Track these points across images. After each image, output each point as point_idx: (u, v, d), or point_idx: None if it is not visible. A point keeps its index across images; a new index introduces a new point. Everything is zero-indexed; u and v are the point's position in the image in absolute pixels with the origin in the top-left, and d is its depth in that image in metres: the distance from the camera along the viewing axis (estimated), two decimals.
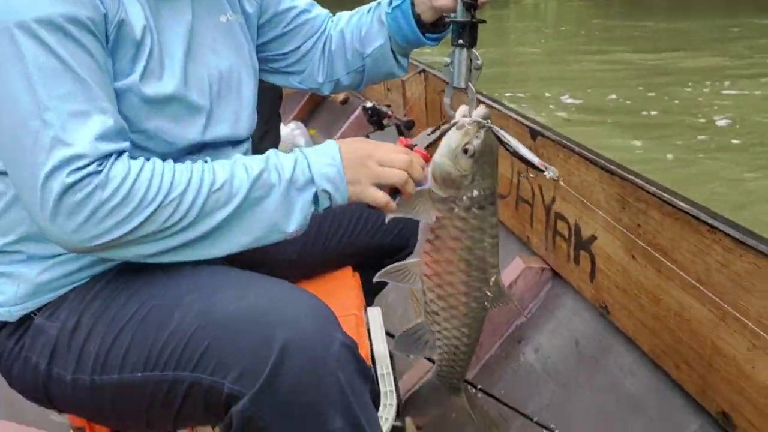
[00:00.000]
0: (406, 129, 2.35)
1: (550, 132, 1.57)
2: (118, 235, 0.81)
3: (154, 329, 0.85)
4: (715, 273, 1.08)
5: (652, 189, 1.21)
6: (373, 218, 1.28)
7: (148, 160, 0.84)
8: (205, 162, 0.88)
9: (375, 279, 0.95)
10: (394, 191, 0.92)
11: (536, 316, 1.67)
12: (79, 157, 0.78)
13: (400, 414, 1.35)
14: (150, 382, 0.85)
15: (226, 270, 0.92)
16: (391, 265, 0.95)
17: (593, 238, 1.43)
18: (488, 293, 0.94)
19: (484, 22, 0.99)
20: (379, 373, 1.22)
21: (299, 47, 1.20)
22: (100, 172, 0.80)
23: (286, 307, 0.83)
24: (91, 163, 0.79)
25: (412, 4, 1.07)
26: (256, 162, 0.88)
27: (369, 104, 2.39)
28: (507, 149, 0.90)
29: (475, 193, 0.88)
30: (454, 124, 0.89)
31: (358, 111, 3.12)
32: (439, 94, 2.32)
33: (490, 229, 0.91)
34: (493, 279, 0.94)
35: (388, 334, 1.33)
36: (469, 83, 0.99)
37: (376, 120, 2.39)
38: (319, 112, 4.00)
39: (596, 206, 1.40)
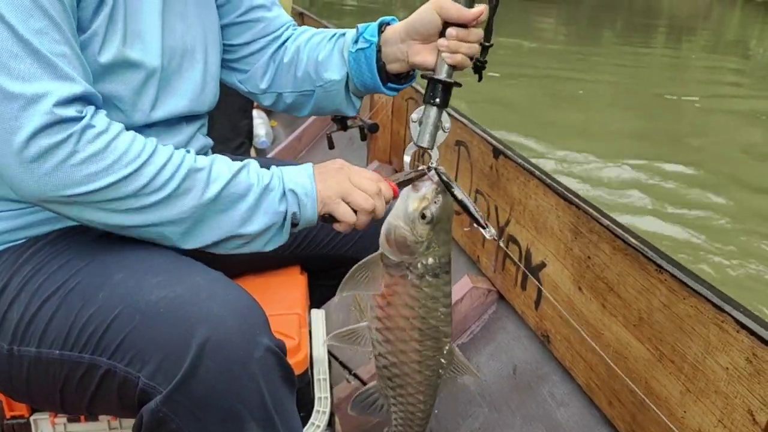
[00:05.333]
0: (369, 131, 2.31)
1: (512, 153, 1.55)
2: (88, 190, 0.75)
3: (77, 306, 0.80)
4: (657, 312, 1.07)
5: (606, 222, 1.20)
6: (328, 226, 1.24)
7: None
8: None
9: (326, 341, 0.93)
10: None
11: (477, 338, 1.65)
12: (60, 94, 0.73)
13: (332, 422, 1.31)
14: (66, 363, 0.80)
15: (162, 252, 0.87)
16: (341, 330, 0.92)
17: (543, 264, 1.42)
18: (442, 361, 0.91)
19: (460, 85, 0.95)
20: (315, 377, 1.18)
21: (249, 43, 1.14)
22: (80, 118, 0.74)
23: (212, 303, 0.78)
24: (71, 102, 0.74)
25: (379, 50, 1.02)
26: (235, 162, 0.86)
27: None
28: (455, 199, 0.87)
29: (431, 260, 0.84)
30: (421, 175, 0.87)
31: None
32: (407, 101, 2.30)
33: (443, 298, 0.88)
34: (446, 348, 0.91)
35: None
36: (435, 145, 0.94)
37: (340, 119, 2.34)
38: None
39: (549, 233, 1.39)
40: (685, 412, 1.02)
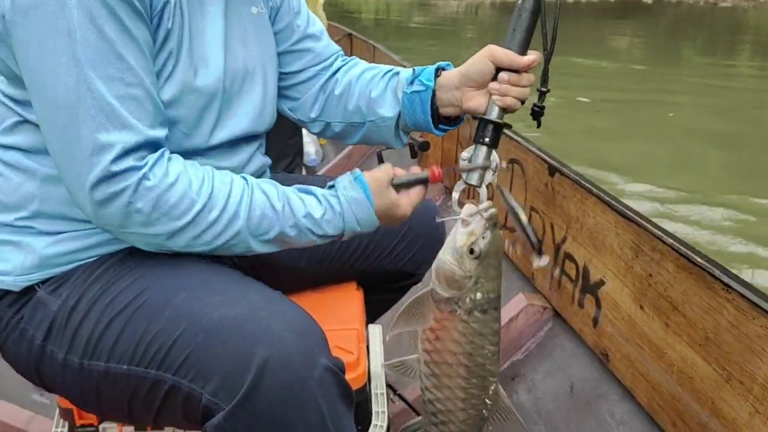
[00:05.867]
0: (420, 149, 2.33)
1: (569, 170, 1.56)
2: (146, 233, 0.84)
3: (144, 323, 0.84)
4: (724, 332, 1.06)
5: (669, 240, 1.20)
6: (384, 242, 1.27)
7: (182, 160, 0.86)
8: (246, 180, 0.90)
9: (383, 365, 0.96)
10: None
11: (533, 355, 1.64)
12: (121, 146, 0.79)
13: None
14: (133, 377, 0.84)
15: (225, 271, 0.91)
16: (393, 360, 0.93)
17: (601, 282, 1.41)
18: (487, 401, 0.91)
19: (510, 127, 0.98)
20: (372, 392, 1.20)
21: (300, 72, 1.17)
22: (138, 168, 0.81)
23: (272, 321, 0.80)
24: (130, 152, 0.80)
25: (433, 94, 1.04)
26: (299, 203, 0.91)
27: None
28: (514, 218, 0.89)
29: (479, 296, 0.85)
30: (422, 180, 0.95)
31: None
32: None
33: (491, 336, 0.88)
34: (492, 387, 0.91)
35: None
36: (483, 183, 0.96)
37: None
38: None
39: (608, 251, 1.38)
40: None
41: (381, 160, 2.46)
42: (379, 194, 0.93)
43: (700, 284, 1.11)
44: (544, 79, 0.96)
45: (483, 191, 0.96)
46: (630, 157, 5.38)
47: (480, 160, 0.96)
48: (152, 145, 0.83)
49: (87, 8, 0.76)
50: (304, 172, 3.13)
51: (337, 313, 1.22)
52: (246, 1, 1.03)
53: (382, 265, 1.29)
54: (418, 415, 1.57)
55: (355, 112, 1.14)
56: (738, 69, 11.29)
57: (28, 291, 0.90)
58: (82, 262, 0.92)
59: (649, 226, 1.25)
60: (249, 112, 1.02)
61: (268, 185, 0.91)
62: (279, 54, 1.15)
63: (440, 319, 0.87)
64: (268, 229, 0.88)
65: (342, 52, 1.21)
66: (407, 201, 0.96)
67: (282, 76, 1.17)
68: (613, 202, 1.37)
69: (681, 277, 1.16)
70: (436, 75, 1.05)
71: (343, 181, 0.94)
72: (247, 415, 0.77)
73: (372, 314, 1.36)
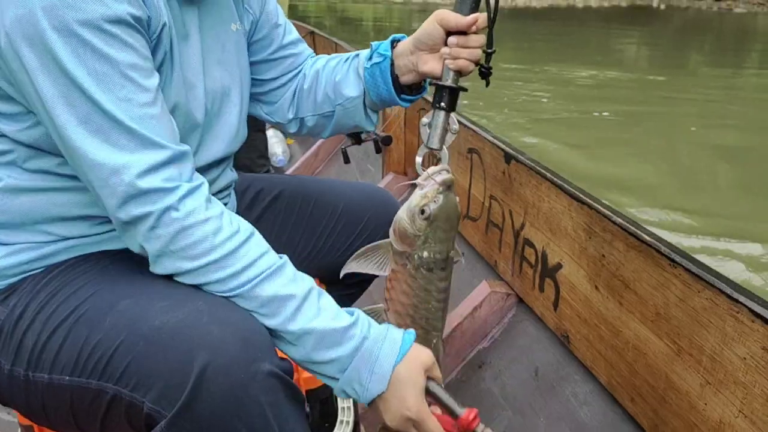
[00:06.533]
0: (383, 144, 2.35)
1: (524, 157, 1.57)
2: (165, 256, 0.83)
3: (85, 332, 0.82)
4: (673, 307, 1.08)
5: (619, 220, 1.22)
6: (344, 236, 1.27)
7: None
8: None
9: (353, 309, 0.95)
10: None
11: (498, 342, 1.66)
12: (144, 164, 0.79)
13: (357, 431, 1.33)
14: (76, 389, 0.83)
15: (170, 281, 0.89)
16: (365, 308, 0.96)
17: (559, 265, 1.43)
18: None
19: (465, 90, 1.03)
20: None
21: (277, 78, 1.20)
22: (166, 191, 0.80)
23: (213, 327, 0.79)
24: (156, 170, 0.80)
25: (392, 64, 1.08)
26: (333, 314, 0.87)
27: None
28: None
29: (425, 254, 0.92)
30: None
31: None
32: (418, 112, 2.33)
33: (436, 293, 0.94)
34: (434, 341, 0.97)
35: None
36: (444, 146, 1.02)
37: (354, 133, 2.38)
38: None
39: (564, 234, 1.40)
40: (705, 404, 1.02)
41: (346, 157, 2.47)
42: (411, 364, 0.86)
43: (649, 261, 1.13)
44: (489, 41, 1.02)
45: (444, 153, 1.02)
46: (662, 178, 4.92)
47: (440, 123, 1.01)
48: (179, 158, 0.82)
49: (88, 34, 0.76)
50: (272, 172, 3.12)
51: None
52: (225, 19, 1.03)
53: (343, 260, 1.29)
54: None
55: (324, 101, 1.16)
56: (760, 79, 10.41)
57: None
58: (29, 274, 0.91)
59: (600, 207, 1.27)
60: (226, 134, 1.04)
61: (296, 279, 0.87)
62: (258, 62, 1.17)
63: (395, 270, 0.94)
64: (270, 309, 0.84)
65: (313, 53, 1.24)
66: (427, 415, 0.86)
67: (259, 82, 1.19)
68: (566, 186, 1.39)
69: (631, 256, 1.18)
70: (392, 47, 1.09)
71: (382, 325, 0.89)
72: (189, 422, 0.76)
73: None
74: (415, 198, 0.91)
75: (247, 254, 0.83)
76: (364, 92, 1.12)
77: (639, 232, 1.16)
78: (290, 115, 1.21)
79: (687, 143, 6.11)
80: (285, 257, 0.88)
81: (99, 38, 0.76)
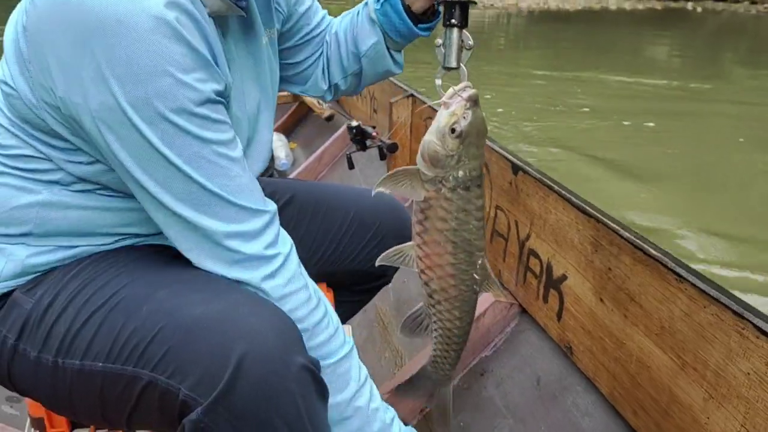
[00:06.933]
0: (389, 151, 2.36)
1: (531, 168, 1.59)
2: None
3: (121, 320, 0.84)
4: (678, 321, 1.10)
5: (626, 234, 1.23)
6: (354, 243, 1.29)
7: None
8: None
9: (377, 263, 0.98)
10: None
11: (501, 351, 1.67)
12: (245, 231, 0.85)
13: None
14: (109, 375, 0.84)
15: (201, 272, 0.92)
16: (389, 249, 0.97)
17: (564, 277, 1.45)
18: (476, 276, 0.95)
19: (474, 3, 1.00)
20: None
21: (308, 57, 1.22)
22: (263, 259, 0.87)
23: (251, 318, 0.82)
24: (255, 237, 0.87)
25: None
26: None
27: (354, 123, 2.40)
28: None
29: (461, 173, 0.89)
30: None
31: (343, 129, 3.13)
32: (425, 120, 2.35)
33: (475, 211, 0.92)
34: (479, 262, 0.94)
35: None
36: (461, 64, 1.00)
37: (359, 139, 2.40)
38: (303, 126, 4.01)
39: (570, 246, 1.42)
40: (708, 418, 1.04)
41: (351, 163, 2.48)
42: None
43: (655, 275, 1.15)
44: None
45: (463, 71, 0.99)
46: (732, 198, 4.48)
47: (454, 41, 0.99)
48: (272, 220, 0.89)
49: (180, 120, 0.78)
50: (275, 176, 3.14)
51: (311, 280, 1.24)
52: (258, 32, 1.03)
53: (352, 266, 1.31)
54: None
55: (350, 61, 1.18)
56: None
57: (6, 296, 0.91)
58: (58, 264, 0.93)
59: (607, 221, 1.29)
60: (262, 152, 1.05)
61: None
62: (287, 48, 1.19)
63: (427, 198, 0.91)
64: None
65: (331, 19, 1.24)
66: None
67: (291, 66, 1.21)
68: (573, 199, 1.41)
69: (637, 270, 1.20)
70: None
71: None
72: (225, 410, 0.78)
73: (342, 315, 1.38)
74: (444, 117, 0.88)
75: (328, 327, 0.92)
76: (384, 35, 1.13)
77: (646, 246, 1.18)
78: (324, 86, 1.23)
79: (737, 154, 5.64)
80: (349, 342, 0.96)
81: (192, 123, 0.79)
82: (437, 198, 0.90)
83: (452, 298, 0.95)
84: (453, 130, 0.87)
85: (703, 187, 4.81)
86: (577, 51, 12.61)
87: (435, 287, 0.95)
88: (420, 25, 1.11)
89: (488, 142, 1.80)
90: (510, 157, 1.67)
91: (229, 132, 0.84)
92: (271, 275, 0.87)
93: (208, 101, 0.80)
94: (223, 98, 0.84)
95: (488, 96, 7.38)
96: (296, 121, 4.04)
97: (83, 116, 0.79)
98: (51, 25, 0.76)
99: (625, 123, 6.64)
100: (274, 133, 3.53)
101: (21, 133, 0.87)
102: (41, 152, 0.88)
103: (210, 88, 0.80)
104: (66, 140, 0.86)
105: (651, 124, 6.58)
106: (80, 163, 0.88)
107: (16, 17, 0.82)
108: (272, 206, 0.90)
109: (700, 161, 5.42)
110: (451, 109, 0.88)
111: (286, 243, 0.91)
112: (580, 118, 6.88)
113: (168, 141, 0.78)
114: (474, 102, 0.88)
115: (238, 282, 0.87)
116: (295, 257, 0.92)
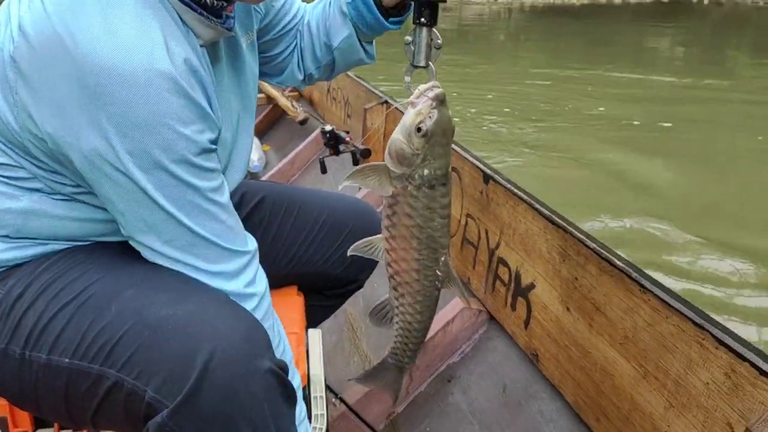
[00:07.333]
0: (361, 156, 2.37)
1: (502, 178, 1.61)
2: None
3: (90, 317, 0.84)
4: (641, 331, 1.13)
5: (592, 245, 1.26)
6: (325, 246, 1.29)
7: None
8: None
9: (348, 253, 0.99)
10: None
11: (468, 357, 1.69)
12: (235, 268, 0.90)
13: None
14: (75, 371, 0.83)
15: (171, 272, 0.92)
16: (360, 241, 0.99)
17: (532, 285, 1.47)
18: (438, 273, 0.97)
19: (444, 1, 1.01)
20: (312, 395, 1.22)
21: (284, 50, 1.21)
22: (251, 297, 0.92)
23: (218, 321, 0.82)
24: (243, 270, 0.92)
25: None
26: None
27: (328, 128, 2.40)
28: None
29: (426, 172, 0.90)
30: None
31: (316, 133, 3.13)
32: None
33: (440, 209, 0.94)
34: (443, 259, 0.96)
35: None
36: (429, 62, 1.01)
37: (333, 144, 2.40)
38: (276, 129, 3.99)
39: (538, 255, 1.44)
40: (668, 426, 1.06)
41: (323, 167, 2.48)
42: None
43: (620, 286, 1.17)
44: None
45: (432, 70, 1.01)
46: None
47: (423, 40, 1.00)
48: (252, 259, 0.93)
49: (177, 169, 0.80)
50: (248, 177, 3.12)
51: (278, 317, 1.23)
52: (238, 40, 1.03)
53: (324, 269, 1.31)
54: (359, 417, 1.60)
55: (323, 52, 1.18)
56: None
57: None
58: (30, 259, 0.92)
59: (575, 231, 1.32)
60: (243, 161, 1.06)
61: None
62: (266, 42, 1.18)
63: (395, 194, 0.93)
64: None
65: (305, 7, 1.24)
66: None
67: (267, 58, 1.20)
68: (542, 209, 1.43)
69: (603, 280, 1.22)
70: None
71: None
72: (191, 413, 0.78)
73: (313, 319, 1.38)
74: (410, 116, 0.89)
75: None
76: (355, 28, 1.13)
77: (611, 257, 1.21)
78: (300, 76, 1.23)
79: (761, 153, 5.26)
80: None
81: (188, 173, 0.80)
82: (404, 195, 0.92)
83: (415, 292, 0.97)
84: (419, 129, 0.88)
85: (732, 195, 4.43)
86: (580, 46, 12.11)
87: (399, 280, 0.97)
88: (391, 19, 1.11)
89: (461, 151, 1.82)
90: (481, 166, 1.69)
91: (219, 178, 0.87)
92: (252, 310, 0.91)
93: (203, 151, 0.82)
94: (215, 144, 0.86)
95: (490, 96, 6.87)
96: (270, 123, 4.02)
97: (73, 154, 0.78)
98: (46, 64, 0.75)
99: (636, 123, 6.27)
100: None
101: (1, 145, 0.86)
102: (22, 165, 0.87)
103: (206, 138, 0.82)
104: (48, 164, 0.85)
105: (668, 125, 6.18)
106: (63, 184, 0.87)
107: (0, 39, 0.79)
108: (253, 245, 0.94)
109: (723, 162, 5.09)
110: (417, 108, 0.89)
111: (262, 282, 0.96)
112: (591, 119, 6.47)
113: (162, 188, 0.80)
114: (440, 101, 0.89)
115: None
116: (268, 297, 0.96)
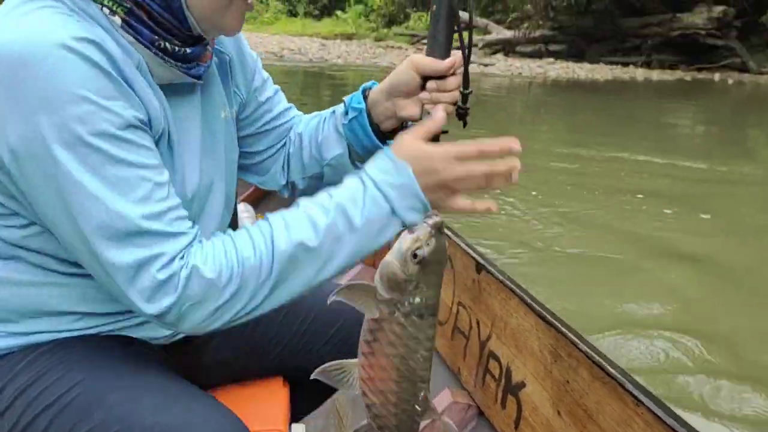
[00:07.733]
0: None
1: (494, 269, 1.59)
2: (206, 324, 0.82)
3: (71, 422, 0.81)
4: None
5: (584, 348, 1.22)
6: (317, 338, 1.25)
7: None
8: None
9: (312, 376, 0.92)
10: None
11: None
12: (163, 254, 0.79)
13: None
14: None
15: (156, 368, 0.90)
16: (330, 363, 0.92)
17: (523, 384, 1.42)
18: (417, 407, 0.92)
19: (446, 132, 0.99)
20: None
21: (267, 149, 1.19)
22: (183, 268, 0.80)
23: (205, 429, 0.81)
24: (174, 259, 0.80)
25: (368, 113, 1.07)
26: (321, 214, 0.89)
27: None
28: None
29: (417, 300, 0.88)
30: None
31: None
32: None
33: (425, 341, 0.90)
34: (422, 394, 0.92)
35: None
36: None
37: None
38: (270, 198, 3.99)
39: (530, 353, 1.40)
40: None
41: None
42: (403, 149, 0.90)
43: (613, 395, 1.13)
44: (466, 82, 0.99)
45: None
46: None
47: None
48: (195, 238, 0.83)
49: (103, 143, 0.76)
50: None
51: (261, 411, 1.19)
52: (216, 105, 1.03)
53: (311, 363, 1.26)
54: None
55: (311, 163, 1.16)
56: None
57: None
58: (7, 352, 0.89)
59: (566, 332, 1.28)
60: (210, 226, 1.02)
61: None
62: (246, 137, 1.17)
63: (380, 319, 0.88)
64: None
65: (300, 115, 1.23)
66: (441, 152, 0.89)
67: (249, 155, 1.18)
68: (534, 305, 1.40)
69: (595, 386, 1.18)
70: (365, 96, 1.08)
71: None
72: None
73: (298, 412, 1.32)
74: (406, 242, 0.87)
75: (251, 275, 0.85)
76: (349, 147, 1.11)
77: (604, 363, 1.17)
78: (282, 181, 1.20)
79: None
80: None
81: (114, 145, 0.77)
82: (389, 321, 0.89)
83: (394, 426, 0.93)
84: (415, 255, 0.86)
85: None
86: (603, 122, 11.09)
87: (377, 412, 0.93)
88: (388, 142, 1.09)
89: (453, 237, 1.81)
90: (474, 255, 1.67)
91: (156, 157, 0.82)
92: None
93: (130, 126, 0.78)
94: (148, 128, 0.82)
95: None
96: (262, 192, 4.02)
97: (4, 155, 0.77)
98: None
99: (666, 211, 5.54)
100: (241, 203, 3.50)
101: None
102: None
103: (131, 114, 0.79)
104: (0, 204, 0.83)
105: (706, 216, 5.45)
106: (14, 227, 0.84)
107: None
108: (196, 228, 0.86)
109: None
110: (415, 234, 0.88)
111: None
112: (628, 204, 5.73)
113: (88, 166, 0.76)
114: (438, 230, 0.88)
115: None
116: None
